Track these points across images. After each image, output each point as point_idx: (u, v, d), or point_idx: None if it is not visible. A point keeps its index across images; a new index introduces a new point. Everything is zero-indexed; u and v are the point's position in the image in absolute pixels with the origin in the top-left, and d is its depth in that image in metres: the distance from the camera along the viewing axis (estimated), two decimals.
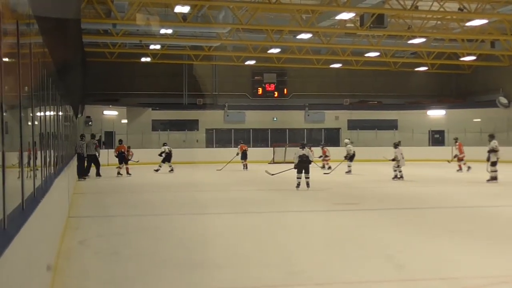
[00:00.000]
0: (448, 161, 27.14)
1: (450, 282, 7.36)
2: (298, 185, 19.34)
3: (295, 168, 19.80)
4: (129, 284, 7.55)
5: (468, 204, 15.94)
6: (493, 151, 20.38)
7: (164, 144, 29.26)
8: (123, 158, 26.71)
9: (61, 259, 8.53)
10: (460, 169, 27.42)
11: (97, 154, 26.29)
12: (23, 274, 4.34)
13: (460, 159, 27.62)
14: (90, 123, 38.05)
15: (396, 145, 23.10)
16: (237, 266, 8.48)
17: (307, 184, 19.29)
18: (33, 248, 5.18)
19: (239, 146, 31.92)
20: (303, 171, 19.43)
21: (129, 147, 28.13)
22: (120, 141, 28.40)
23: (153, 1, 27.12)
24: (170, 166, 28.43)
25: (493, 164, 20.44)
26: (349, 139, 28.25)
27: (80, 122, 34.82)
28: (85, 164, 25.27)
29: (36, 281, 5.30)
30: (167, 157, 28.30)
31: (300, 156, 19.47)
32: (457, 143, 28.32)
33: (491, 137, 21.28)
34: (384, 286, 7.31)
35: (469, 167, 27.12)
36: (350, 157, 26.76)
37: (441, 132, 43.91)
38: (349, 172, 26.44)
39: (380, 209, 15.00)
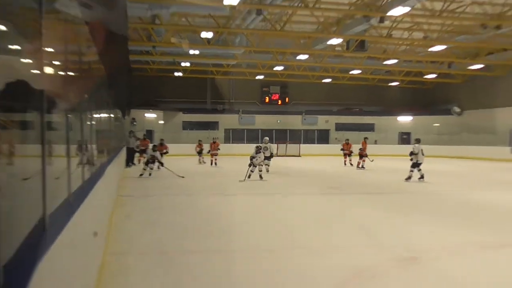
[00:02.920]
0: (371, 160, 26.36)
1: (410, 248, 7.42)
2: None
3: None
4: (164, 246, 7.64)
5: (426, 190, 15.98)
6: (412, 154, 18.71)
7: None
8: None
9: (112, 228, 8.64)
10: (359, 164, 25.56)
11: (134, 148, 26.06)
12: (84, 237, 4.43)
13: (361, 155, 25.71)
14: (134, 123, 38.22)
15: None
16: (248, 234, 8.57)
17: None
18: (91, 220, 5.28)
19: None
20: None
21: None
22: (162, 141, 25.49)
23: (184, 28, 27.18)
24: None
25: (413, 165, 18.71)
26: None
27: (127, 122, 34.95)
28: (132, 155, 25.52)
29: (94, 244, 5.41)
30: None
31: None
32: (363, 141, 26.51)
33: (417, 140, 19.63)
34: (359, 250, 7.37)
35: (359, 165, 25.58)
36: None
37: (408, 134, 43.91)
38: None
39: (358, 193, 15.04)
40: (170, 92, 42.34)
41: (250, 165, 18.43)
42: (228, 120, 42.88)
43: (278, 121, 43.39)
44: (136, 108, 37.86)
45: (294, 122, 43.75)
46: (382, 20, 23.55)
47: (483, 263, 6.89)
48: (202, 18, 26.07)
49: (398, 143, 43.16)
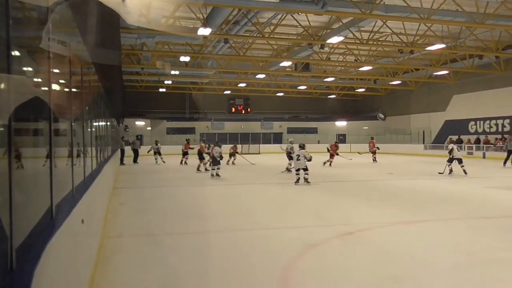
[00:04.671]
0: (359, 153, 25.87)
1: (350, 226, 7.45)
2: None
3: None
4: (153, 228, 7.49)
5: (361, 178, 16.11)
6: (450, 152, 17.06)
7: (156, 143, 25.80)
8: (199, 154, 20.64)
9: (109, 214, 8.44)
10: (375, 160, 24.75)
11: (138, 149, 25.56)
12: (85, 224, 4.29)
13: (373, 152, 25.07)
14: (127, 129, 37.65)
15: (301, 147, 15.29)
16: (221, 217, 8.47)
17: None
18: (92, 206, 5.12)
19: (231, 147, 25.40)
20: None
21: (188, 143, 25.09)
22: (187, 140, 25.18)
23: (167, 54, 26.93)
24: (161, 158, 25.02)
25: (449, 160, 17.00)
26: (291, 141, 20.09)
27: (121, 129, 34.44)
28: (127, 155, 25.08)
29: (93, 228, 5.25)
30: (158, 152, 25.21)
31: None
32: (372, 141, 25.92)
33: (452, 142, 18.06)
34: (310, 228, 7.36)
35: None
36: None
37: (344, 135, 44.43)
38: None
39: (322, 182, 15.06)
40: (156, 104, 41.99)
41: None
42: (203, 126, 42.65)
43: (242, 127, 43.36)
44: (129, 117, 37.47)
45: (255, 127, 43.77)
46: (322, 47, 23.80)
47: (405, 234, 6.95)
48: (181, 46, 25.89)
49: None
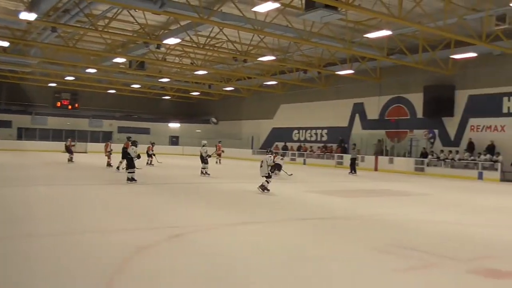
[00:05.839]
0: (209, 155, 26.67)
1: (179, 228, 7.54)
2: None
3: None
4: None
5: (194, 181, 16.31)
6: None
7: None
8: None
9: None
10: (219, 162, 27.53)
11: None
12: None
13: (218, 155, 28.02)
14: None
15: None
16: (45, 220, 7.86)
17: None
18: None
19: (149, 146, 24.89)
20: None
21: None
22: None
23: None
24: None
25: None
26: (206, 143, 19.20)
27: None
28: None
29: None
30: None
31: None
32: (218, 144, 28.81)
33: (280, 155, 20.70)
34: (140, 231, 7.25)
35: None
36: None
37: (177, 137, 44.75)
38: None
39: (138, 184, 14.77)
40: None
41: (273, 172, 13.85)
42: (21, 120, 39.04)
43: (68, 123, 40.83)
44: None
45: (82, 124, 41.61)
46: (158, 47, 23.75)
47: (233, 236, 7.28)
48: None
49: (169, 144, 43.76)
